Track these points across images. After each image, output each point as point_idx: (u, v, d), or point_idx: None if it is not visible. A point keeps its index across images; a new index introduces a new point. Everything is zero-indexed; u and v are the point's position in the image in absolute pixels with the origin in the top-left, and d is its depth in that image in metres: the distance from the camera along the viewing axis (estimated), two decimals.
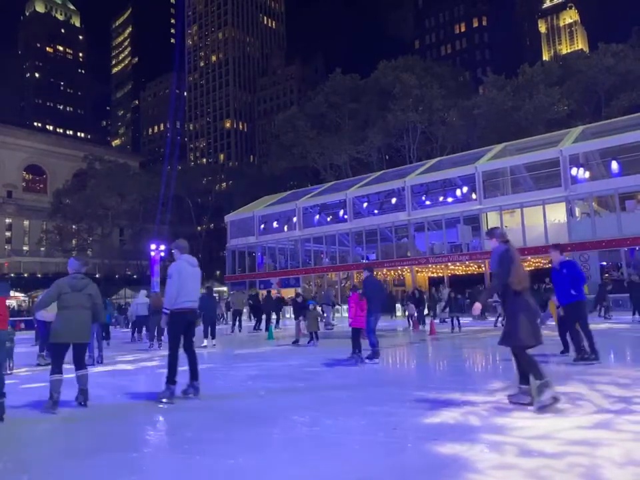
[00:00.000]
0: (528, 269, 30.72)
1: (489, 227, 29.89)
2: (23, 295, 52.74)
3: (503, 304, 5.49)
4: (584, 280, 8.18)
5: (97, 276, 61.65)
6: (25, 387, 8.15)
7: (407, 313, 20.86)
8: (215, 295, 17.95)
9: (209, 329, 14.76)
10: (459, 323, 16.33)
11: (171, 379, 6.29)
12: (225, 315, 30.00)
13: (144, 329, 17.76)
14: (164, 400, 6.23)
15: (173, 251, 6.71)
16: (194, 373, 6.51)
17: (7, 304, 6.34)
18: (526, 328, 5.11)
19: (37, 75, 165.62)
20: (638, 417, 4.69)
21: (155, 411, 6.15)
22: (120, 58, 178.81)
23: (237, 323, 21.54)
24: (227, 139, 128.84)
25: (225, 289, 48.48)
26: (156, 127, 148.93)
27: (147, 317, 16.37)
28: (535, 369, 5.08)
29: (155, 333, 15.01)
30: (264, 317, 20.62)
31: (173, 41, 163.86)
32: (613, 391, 5.87)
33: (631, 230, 25.05)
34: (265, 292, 23.37)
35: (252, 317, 30.86)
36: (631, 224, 25.28)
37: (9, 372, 9.76)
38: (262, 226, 39.59)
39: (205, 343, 14.61)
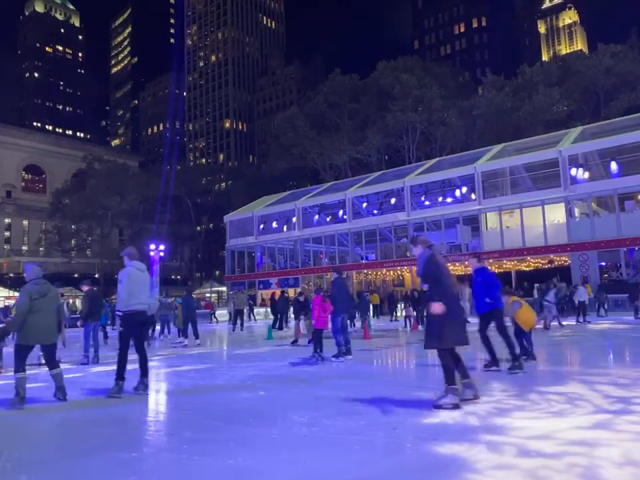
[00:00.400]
0: (527, 269, 30.87)
1: (488, 228, 30.06)
2: None
3: (427, 306, 5.46)
4: (498, 287, 7.94)
5: (97, 276, 61.63)
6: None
7: (404, 314, 20.81)
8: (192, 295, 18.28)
9: (189, 328, 15.09)
10: None
11: (120, 375, 6.71)
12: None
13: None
14: (114, 395, 6.60)
15: (123, 258, 7.03)
16: (144, 371, 6.93)
17: None
18: (452, 329, 5.23)
19: (36, 74, 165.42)
20: (637, 417, 4.70)
21: (153, 411, 6.16)
22: (119, 58, 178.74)
23: (239, 322, 22.06)
24: (227, 139, 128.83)
25: (224, 289, 48.46)
26: (155, 127, 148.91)
27: (151, 316, 16.92)
28: (451, 374, 5.23)
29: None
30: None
31: (172, 41, 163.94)
32: (611, 391, 5.88)
33: (630, 230, 25.07)
34: (279, 292, 23.76)
35: (251, 317, 31.00)
36: (630, 224, 25.29)
37: None
38: (261, 226, 39.60)
39: (186, 342, 14.98)
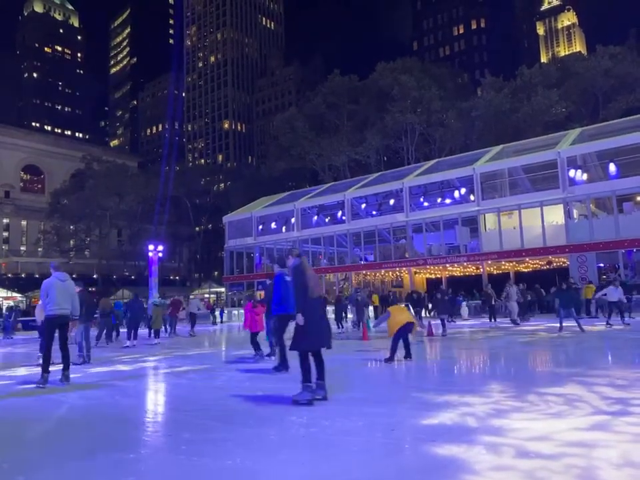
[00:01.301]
0: (526, 270, 30.89)
1: (487, 229, 30.06)
2: (20, 295, 52.63)
3: (298, 312, 5.87)
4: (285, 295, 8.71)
5: (95, 277, 61.58)
6: (22, 387, 8.14)
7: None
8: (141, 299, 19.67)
9: (133, 330, 16.18)
10: (444, 325, 15.83)
11: (46, 368, 7.84)
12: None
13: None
14: (40, 385, 7.68)
15: (50, 269, 8.41)
16: (66, 365, 8.11)
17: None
18: (315, 333, 5.77)
19: (35, 75, 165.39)
20: (635, 418, 4.70)
21: (152, 412, 6.16)
22: (118, 58, 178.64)
23: None
24: (226, 140, 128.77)
25: (222, 289, 48.44)
26: (154, 128, 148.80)
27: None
28: (307, 374, 5.80)
29: (104, 334, 16.85)
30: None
31: (171, 41, 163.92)
32: (610, 393, 5.88)
33: (628, 232, 25.10)
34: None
35: None
36: (628, 226, 25.33)
37: None
38: (260, 227, 39.59)
39: (128, 343, 15.72)
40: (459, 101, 48.42)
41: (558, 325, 14.88)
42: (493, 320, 20.13)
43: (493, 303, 20.54)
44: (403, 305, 12.33)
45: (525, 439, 4.13)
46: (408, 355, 9.51)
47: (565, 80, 46.17)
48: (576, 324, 14.78)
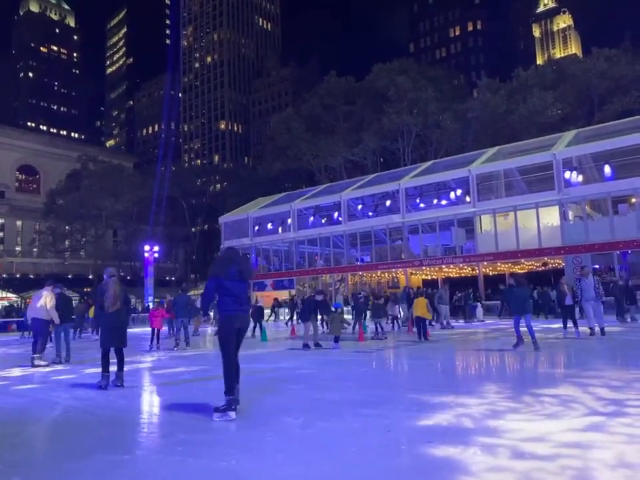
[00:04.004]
0: (521, 271, 30.96)
1: (482, 230, 30.12)
2: (15, 296, 52.38)
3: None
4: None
5: (90, 277, 61.35)
6: (17, 388, 8.10)
7: (389, 313, 18.31)
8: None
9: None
10: (382, 328, 15.49)
11: None
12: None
13: None
14: None
15: None
16: None
17: None
18: (108, 335, 7.56)
19: (30, 74, 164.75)
20: (630, 419, 4.72)
21: (147, 413, 6.14)
22: (114, 58, 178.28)
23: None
24: (222, 140, 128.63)
25: None
26: (150, 128, 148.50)
27: None
28: (104, 365, 7.53)
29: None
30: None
31: (168, 41, 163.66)
32: (605, 394, 5.90)
33: (623, 233, 25.18)
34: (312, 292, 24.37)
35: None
36: (623, 227, 25.39)
37: None
38: (256, 227, 39.53)
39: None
40: (455, 102, 48.49)
41: (556, 328, 12.61)
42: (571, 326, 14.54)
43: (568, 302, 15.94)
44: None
45: (520, 439, 4.14)
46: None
47: (561, 82, 46.28)
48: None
